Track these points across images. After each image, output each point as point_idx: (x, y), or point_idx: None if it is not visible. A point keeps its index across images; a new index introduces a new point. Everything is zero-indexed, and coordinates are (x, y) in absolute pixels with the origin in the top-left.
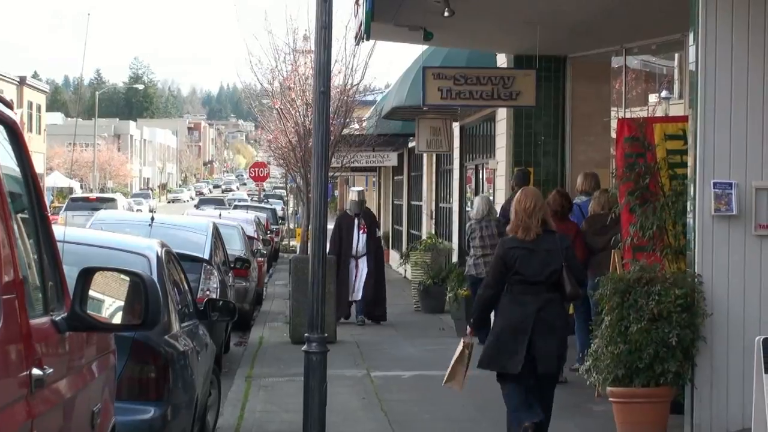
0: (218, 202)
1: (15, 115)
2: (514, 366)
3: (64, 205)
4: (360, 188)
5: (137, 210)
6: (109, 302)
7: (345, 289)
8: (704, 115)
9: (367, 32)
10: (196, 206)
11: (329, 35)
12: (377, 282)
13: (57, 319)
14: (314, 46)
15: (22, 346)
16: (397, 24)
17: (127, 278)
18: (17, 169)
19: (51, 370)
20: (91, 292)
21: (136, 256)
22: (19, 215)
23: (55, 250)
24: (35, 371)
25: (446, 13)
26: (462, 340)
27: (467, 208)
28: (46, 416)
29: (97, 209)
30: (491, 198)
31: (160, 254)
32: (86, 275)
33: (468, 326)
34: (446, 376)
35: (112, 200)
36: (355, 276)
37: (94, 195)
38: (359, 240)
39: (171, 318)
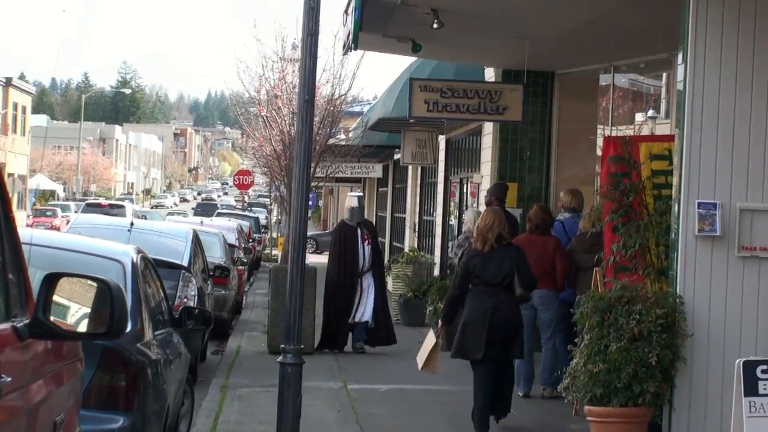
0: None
1: None
2: (478, 353)
3: (80, 210)
4: (359, 193)
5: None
6: (75, 309)
7: (346, 314)
8: (690, 134)
9: (355, 42)
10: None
11: (315, 43)
12: (385, 299)
13: (19, 325)
14: (300, 54)
15: None
16: (385, 35)
17: (94, 284)
18: None
19: (9, 378)
20: (56, 299)
21: (111, 262)
22: None
23: (19, 254)
24: None
25: (435, 25)
26: (432, 332)
27: (450, 222)
28: (2, 427)
29: (109, 215)
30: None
31: (135, 260)
32: (51, 281)
33: (439, 321)
34: (422, 364)
35: (121, 206)
36: (360, 295)
37: (106, 201)
38: (365, 253)
39: (144, 325)
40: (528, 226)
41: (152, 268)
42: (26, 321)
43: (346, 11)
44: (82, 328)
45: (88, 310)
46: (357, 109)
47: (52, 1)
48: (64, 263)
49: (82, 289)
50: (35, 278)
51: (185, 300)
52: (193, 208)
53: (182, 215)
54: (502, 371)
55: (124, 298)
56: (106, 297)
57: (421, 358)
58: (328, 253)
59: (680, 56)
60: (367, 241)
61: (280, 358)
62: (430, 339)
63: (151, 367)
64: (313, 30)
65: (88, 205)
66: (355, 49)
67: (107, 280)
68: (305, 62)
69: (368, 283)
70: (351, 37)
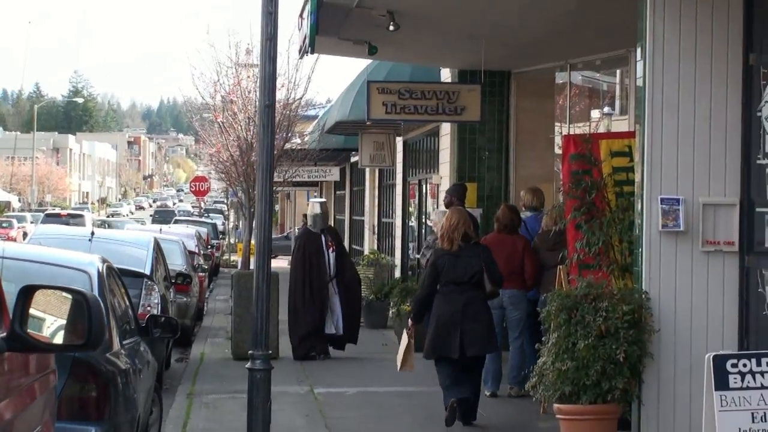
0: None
1: None
2: (451, 351)
3: (39, 221)
4: (322, 199)
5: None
6: (49, 321)
7: (321, 322)
8: (651, 130)
9: (311, 45)
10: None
11: (274, 47)
12: (356, 304)
13: None
14: (259, 59)
15: None
16: (341, 38)
17: (70, 296)
18: None
19: None
20: (31, 311)
21: (77, 272)
22: None
23: None
24: None
25: (391, 27)
26: (405, 332)
27: (410, 223)
28: None
29: (68, 224)
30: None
31: (101, 270)
32: (27, 293)
33: (410, 320)
34: (399, 364)
35: (81, 216)
36: (331, 303)
37: (65, 211)
38: (330, 259)
39: (112, 335)
40: (496, 226)
41: (118, 277)
42: (3, 334)
43: (301, 15)
44: (57, 340)
45: (62, 321)
46: (312, 112)
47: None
48: (30, 275)
49: (55, 301)
50: (5, 291)
51: (148, 308)
52: (150, 215)
53: (140, 223)
54: (471, 367)
55: (101, 310)
56: (83, 309)
57: (398, 359)
58: (290, 260)
59: (639, 52)
60: (331, 248)
61: (248, 364)
62: (404, 339)
63: (121, 377)
64: (271, 34)
65: (47, 215)
66: (312, 52)
67: (84, 291)
68: (265, 67)
69: (334, 291)
70: (307, 40)
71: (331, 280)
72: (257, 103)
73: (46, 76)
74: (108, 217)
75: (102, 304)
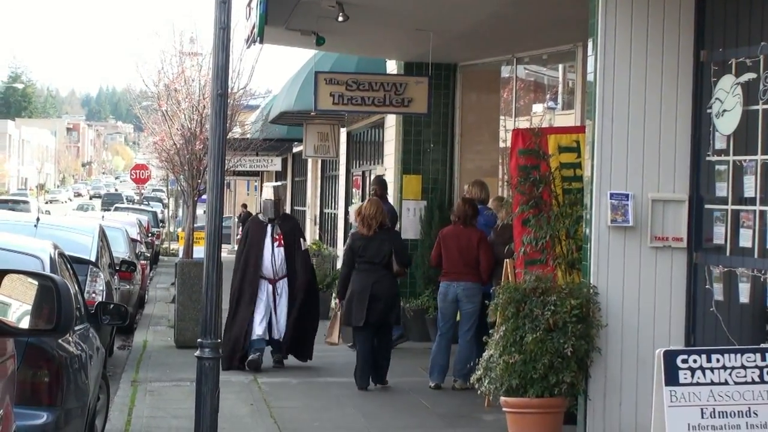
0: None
1: None
2: (360, 321)
3: None
4: (277, 183)
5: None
6: (14, 306)
7: (243, 327)
8: (602, 125)
9: (260, 35)
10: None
11: (228, 36)
12: (308, 313)
13: None
14: (212, 48)
15: None
16: (288, 28)
17: (35, 281)
18: None
19: None
20: None
21: (29, 258)
22: None
23: None
24: None
25: (340, 18)
26: (334, 306)
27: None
28: None
29: (13, 210)
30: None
31: (53, 255)
32: None
33: (337, 298)
34: (327, 337)
35: (26, 202)
36: (275, 306)
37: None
38: (275, 256)
39: None
40: (452, 218)
41: (68, 263)
42: None
43: (249, 4)
44: (23, 325)
45: (21, 306)
46: (253, 102)
47: None
48: None
49: (19, 285)
50: None
51: (93, 295)
52: (99, 197)
53: (91, 208)
54: (380, 336)
55: (70, 295)
56: (52, 294)
57: (328, 333)
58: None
59: (590, 47)
60: (277, 242)
61: (197, 353)
62: (334, 315)
63: (73, 363)
64: (225, 23)
65: None
66: (261, 42)
67: (54, 276)
68: (218, 56)
69: (281, 292)
70: (256, 30)
71: (278, 280)
72: (201, 92)
73: None
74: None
75: (71, 290)
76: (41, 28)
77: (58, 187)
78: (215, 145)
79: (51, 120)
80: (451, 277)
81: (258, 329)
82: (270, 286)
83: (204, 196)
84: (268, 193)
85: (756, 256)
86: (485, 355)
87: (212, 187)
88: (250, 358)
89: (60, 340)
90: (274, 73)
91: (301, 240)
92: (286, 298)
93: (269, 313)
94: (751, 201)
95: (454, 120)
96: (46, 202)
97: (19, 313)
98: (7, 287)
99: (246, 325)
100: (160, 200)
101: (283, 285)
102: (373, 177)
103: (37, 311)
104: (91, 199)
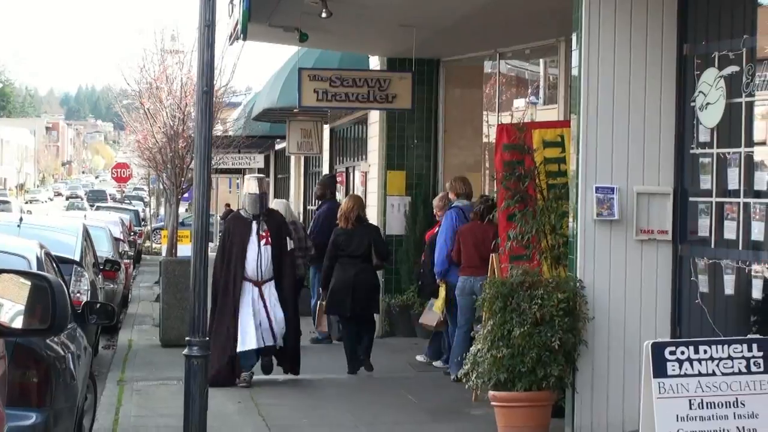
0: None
1: None
2: (345, 311)
3: None
4: (260, 175)
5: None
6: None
7: (228, 337)
8: (587, 119)
9: (244, 32)
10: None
11: (213, 34)
12: (297, 320)
13: None
14: (197, 45)
15: None
16: (272, 24)
17: (28, 281)
18: None
19: None
20: None
21: (16, 258)
22: None
23: None
24: None
25: (324, 14)
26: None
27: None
28: None
29: None
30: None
31: (39, 255)
32: None
33: (321, 289)
34: (318, 326)
35: (7, 202)
36: (266, 310)
37: None
38: (261, 256)
39: None
40: (472, 215)
41: (54, 263)
42: None
43: (231, 1)
44: (15, 325)
45: (17, 307)
46: (234, 100)
47: None
48: None
49: (9, 285)
50: None
51: (78, 295)
52: (85, 193)
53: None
54: (363, 325)
55: (65, 295)
56: (46, 293)
57: (318, 323)
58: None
59: (574, 41)
60: (264, 240)
61: (185, 351)
62: (319, 305)
63: (61, 363)
64: (210, 21)
65: None
66: (244, 39)
67: (48, 276)
68: (203, 53)
69: (270, 297)
70: (239, 26)
71: (264, 282)
72: (183, 89)
73: None
74: (26, 203)
75: (65, 290)
76: (19, 27)
77: (38, 186)
78: (201, 142)
79: (30, 119)
80: (469, 272)
81: (248, 340)
82: (256, 289)
83: (186, 195)
84: (250, 186)
85: (740, 247)
86: (473, 349)
87: (198, 184)
88: (242, 377)
89: (48, 341)
90: (254, 70)
91: (288, 239)
92: (278, 302)
93: (259, 320)
94: (735, 193)
95: (438, 115)
96: (26, 202)
97: (12, 313)
98: None
99: (232, 337)
100: (141, 199)
101: (269, 288)
102: (359, 173)
103: (31, 311)
104: (67, 199)
